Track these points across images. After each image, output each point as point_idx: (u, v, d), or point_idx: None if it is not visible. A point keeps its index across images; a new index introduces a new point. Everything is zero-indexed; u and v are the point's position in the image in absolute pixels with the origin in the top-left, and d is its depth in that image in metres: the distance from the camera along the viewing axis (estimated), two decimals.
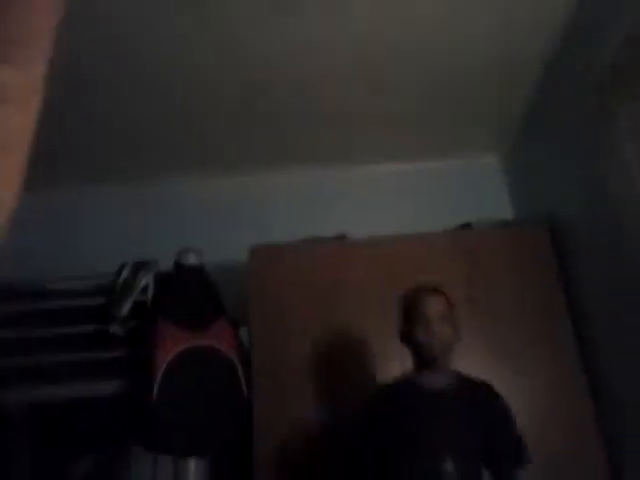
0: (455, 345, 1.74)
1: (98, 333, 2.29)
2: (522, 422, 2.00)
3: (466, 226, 2.70)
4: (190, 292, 2.42)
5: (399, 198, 3.08)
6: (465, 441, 1.65)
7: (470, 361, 2.34)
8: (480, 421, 1.69)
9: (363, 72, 2.46)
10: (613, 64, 1.97)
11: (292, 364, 2.32)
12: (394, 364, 1.97)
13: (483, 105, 2.79)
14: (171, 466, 2.23)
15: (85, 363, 2.31)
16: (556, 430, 2.23)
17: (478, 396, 1.75)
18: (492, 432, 1.68)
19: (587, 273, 2.38)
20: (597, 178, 2.19)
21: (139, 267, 2.39)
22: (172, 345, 2.30)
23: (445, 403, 1.69)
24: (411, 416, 1.68)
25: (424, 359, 1.73)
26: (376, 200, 3.09)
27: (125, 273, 2.36)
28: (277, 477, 2.17)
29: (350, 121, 2.83)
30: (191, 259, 2.45)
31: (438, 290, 1.82)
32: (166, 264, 2.45)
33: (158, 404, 2.21)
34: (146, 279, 2.37)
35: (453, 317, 1.77)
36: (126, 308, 2.30)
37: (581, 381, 2.29)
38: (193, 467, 2.25)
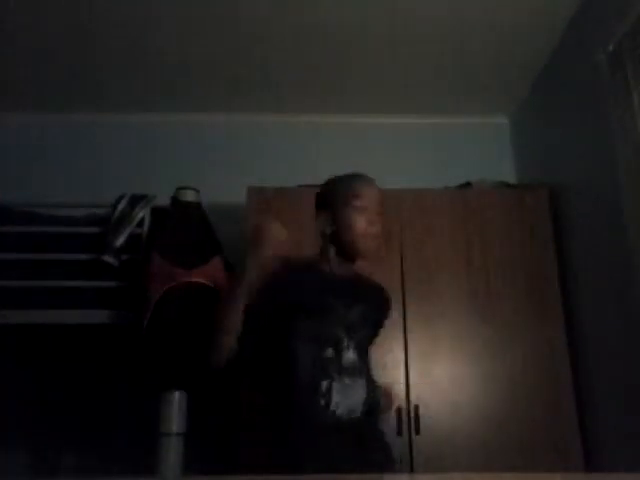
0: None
1: (92, 262, 2.28)
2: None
3: (466, 185, 2.70)
4: (185, 229, 2.40)
5: (402, 152, 3.06)
6: (361, 325, 1.58)
7: (459, 316, 2.39)
8: (374, 311, 1.65)
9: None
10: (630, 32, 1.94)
11: None
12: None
13: (493, 66, 2.78)
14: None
15: (77, 291, 2.30)
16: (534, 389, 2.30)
17: (375, 290, 1.72)
18: (379, 322, 1.68)
19: (582, 241, 2.40)
20: (601, 146, 2.19)
21: (136, 200, 2.37)
22: (164, 281, 2.30)
23: (349, 289, 1.60)
24: (315, 296, 1.54)
25: (349, 252, 1.57)
26: (378, 153, 3.06)
27: (122, 205, 2.33)
28: None
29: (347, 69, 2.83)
30: (189, 196, 2.43)
31: (374, 181, 1.63)
32: (163, 200, 2.43)
33: (146, 338, 2.22)
34: (143, 212, 2.35)
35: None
36: (121, 239, 2.28)
37: (564, 350, 2.35)
38: (176, 399, 2.27)
